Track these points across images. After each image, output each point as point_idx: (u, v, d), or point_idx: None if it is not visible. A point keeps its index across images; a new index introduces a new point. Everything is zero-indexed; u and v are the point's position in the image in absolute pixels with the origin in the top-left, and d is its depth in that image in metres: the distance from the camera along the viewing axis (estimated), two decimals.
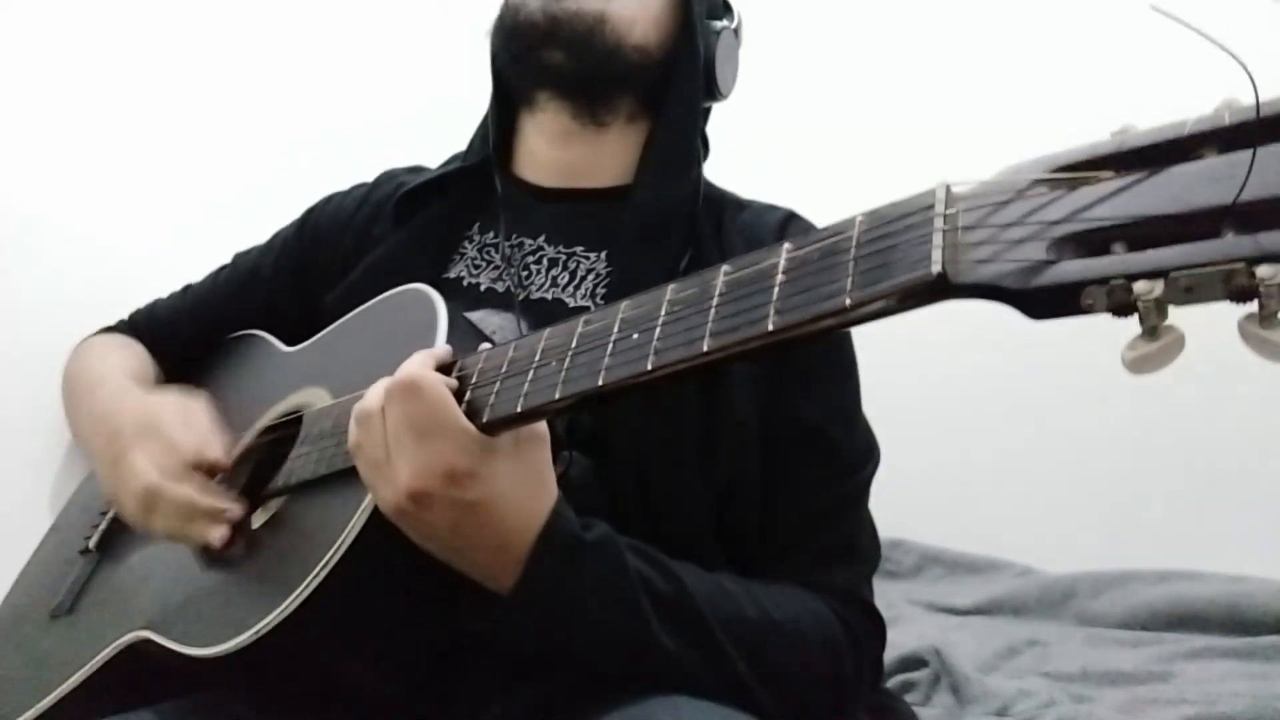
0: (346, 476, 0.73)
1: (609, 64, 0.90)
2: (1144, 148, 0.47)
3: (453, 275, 0.95)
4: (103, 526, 1.00)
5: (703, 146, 1.00)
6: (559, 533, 0.68)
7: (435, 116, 1.22)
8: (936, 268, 0.48)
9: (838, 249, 0.54)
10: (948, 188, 0.52)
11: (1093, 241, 0.46)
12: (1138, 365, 0.45)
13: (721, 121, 1.05)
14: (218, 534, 0.80)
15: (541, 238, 0.94)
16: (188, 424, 0.88)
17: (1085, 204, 0.47)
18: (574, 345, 0.64)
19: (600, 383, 0.60)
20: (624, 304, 0.63)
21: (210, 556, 0.82)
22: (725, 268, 0.59)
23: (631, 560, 0.72)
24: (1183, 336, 0.45)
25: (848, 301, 0.51)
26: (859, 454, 0.89)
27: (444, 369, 0.69)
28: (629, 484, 0.80)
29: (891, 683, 1.48)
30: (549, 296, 0.90)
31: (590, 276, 0.91)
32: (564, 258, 0.92)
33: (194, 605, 0.81)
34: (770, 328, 0.54)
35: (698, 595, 0.74)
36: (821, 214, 0.92)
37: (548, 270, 0.92)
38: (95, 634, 0.88)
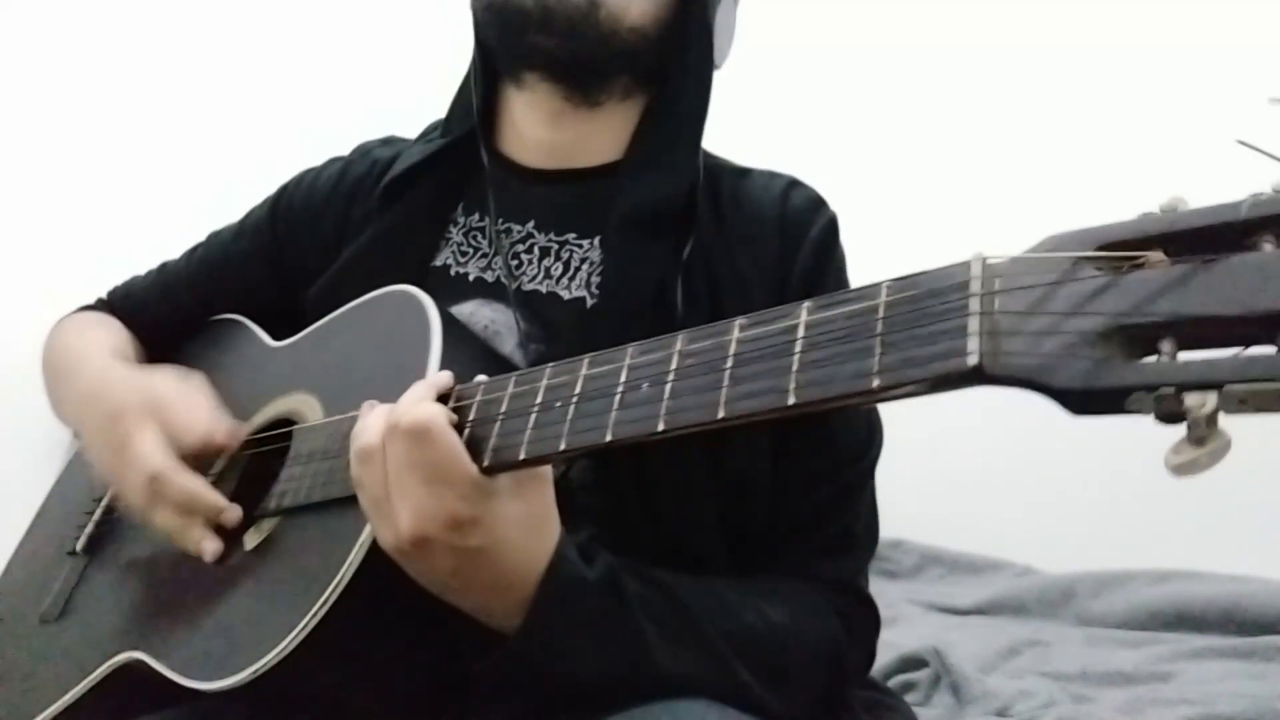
0: (343, 504, 0.72)
1: (603, 49, 0.85)
2: (1197, 229, 0.44)
3: (439, 263, 0.92)
4: (89, 529, 0.98)
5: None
6: (562, 576, 0.67)
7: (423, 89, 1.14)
8: (973, 359, 0.45)
9: (863, 319, 0.51)
10: (984, 261, 0.48)
11: (1140, 337, 0.43)
12: (1183, 470, 0.42)
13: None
14: (211, 547, 0.80)
15: (530, 223, 0.90)
16: (191, 403, 0.86)
17: (1132, 294, 0.44)
18: (579, 389, 0.62)
19: (609, 438, 0.58)
20: (631, 348, 0.61)
21: (202, 571, 0.81)
22: (741, 321, 0.57)
23: (632, 587, 0.71)
24: (1230, 441, 0.42)
25: (875, 384, 0.49)
26: (859, 441, 0.87)
27: (442, 397, 0.67)
28: (629, 484, 0.79)
29: (892, 683, 1.48)
30: (543, 290, 0.87)
31: (585, 266, 0.87)
32: (556, 246, 0.89)
33: (188, 628, 0.80)
34: (791, 401, 0.51)
35: (698, 611, 0.73)
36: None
37: (539, 260, 0.89)
38: (86, 647, 0.87)
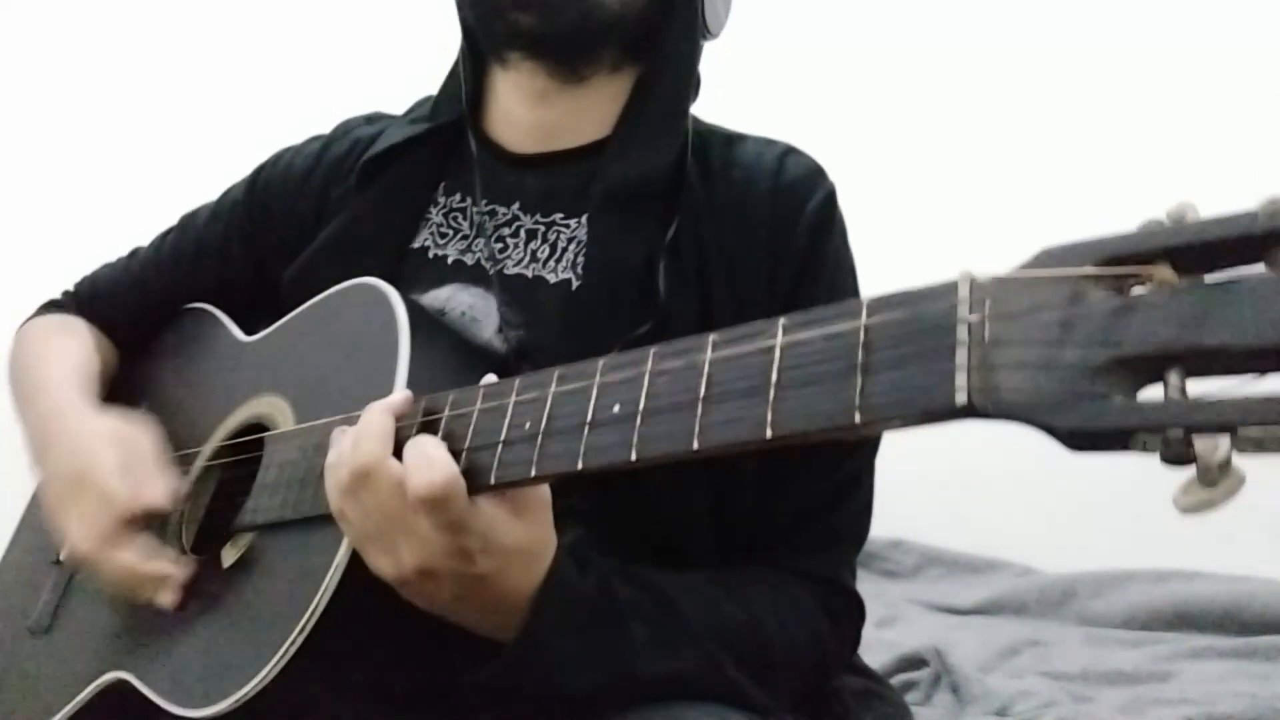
0: (318, 520, 0.71)
1: (585, 22, 0.81)
2: (1208, 242, 0.40)
3: (418, 245, 0.89)
4: None
5: (694, 88, 0.91)
6: (559, 589, 0.67)
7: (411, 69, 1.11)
8: (961, 396, 0.43)
9: (842, 344, 0.48)
10: (972, 281, 0.45)
11: (1145, 368, 0.40)
12: (1193, 511, 0.39)
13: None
14: (167, 598, 0.78)
15: (516, 205, 0.88)
16: (125, 464, 0.82)
17: (1137, 321, 0.40)
18: (549, 409, 0.60)
19: (579, 466, 0.57)
20: (602, 362, 0.58)
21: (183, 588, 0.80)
22: (714, 338, 0.54)
23: (623, 592, 0.71)
24: (1245, 476, 0.39)
25: (857, 419, 0.46)
26: None
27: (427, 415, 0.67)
28: (621, 482, 0.78)
29: (892, 682, 1.48)
30: (528, 273, 0.85)
31: (572, 246, 0.85)
32: (543, 229, 0.86)
33: (170, 649, 0.79)
34: (769, 435, 0.49)
35: (686, 609, 0.73)
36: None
37: (526, 243, 0.86)
38: (73, 665, 0.87)
